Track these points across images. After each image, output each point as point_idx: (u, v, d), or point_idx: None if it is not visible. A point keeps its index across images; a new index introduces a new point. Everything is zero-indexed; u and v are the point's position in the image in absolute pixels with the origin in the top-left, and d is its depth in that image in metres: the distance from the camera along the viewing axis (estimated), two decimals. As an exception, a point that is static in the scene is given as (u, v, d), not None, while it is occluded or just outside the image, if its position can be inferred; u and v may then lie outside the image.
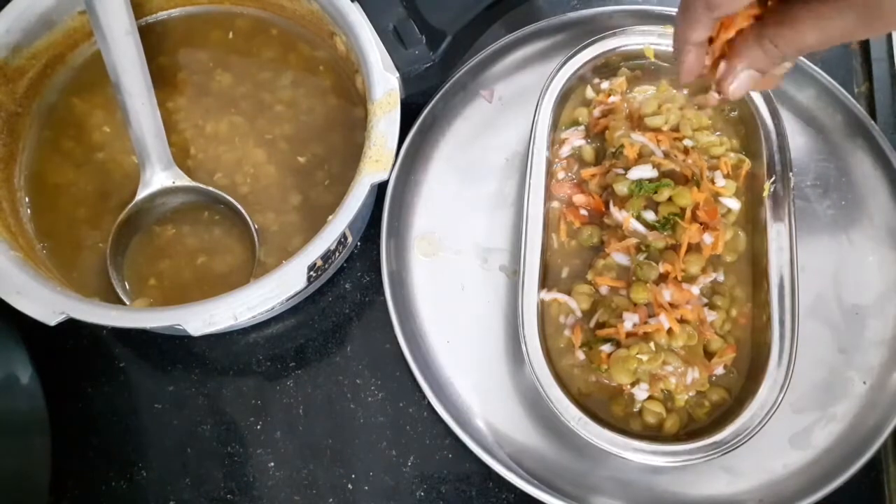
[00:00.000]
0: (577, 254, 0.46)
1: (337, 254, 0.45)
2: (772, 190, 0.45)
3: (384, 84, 0.44)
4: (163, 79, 0.49)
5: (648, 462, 0.40)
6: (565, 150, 0.48)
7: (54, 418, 0.44)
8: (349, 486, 0.46)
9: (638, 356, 0.41)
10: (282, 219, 0.47)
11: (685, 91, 0.47)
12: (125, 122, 0.46)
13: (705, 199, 0.44)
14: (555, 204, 0.47)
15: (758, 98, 0.47)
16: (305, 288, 0.45)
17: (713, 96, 0.36)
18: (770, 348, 0.42)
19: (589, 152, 0.48)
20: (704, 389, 0.42)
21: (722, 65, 0.34)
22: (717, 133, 0.47)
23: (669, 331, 0.41)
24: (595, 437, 0.41)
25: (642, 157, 0.45)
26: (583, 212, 0.46)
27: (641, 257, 0.43)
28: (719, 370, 0.43)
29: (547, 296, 0.44)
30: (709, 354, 0.43)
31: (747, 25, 0.33)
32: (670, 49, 0.48)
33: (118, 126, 0.48)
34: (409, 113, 0.49)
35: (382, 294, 0.47)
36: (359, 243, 0.50)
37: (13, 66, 0.47)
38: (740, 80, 0.34)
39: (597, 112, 0.48)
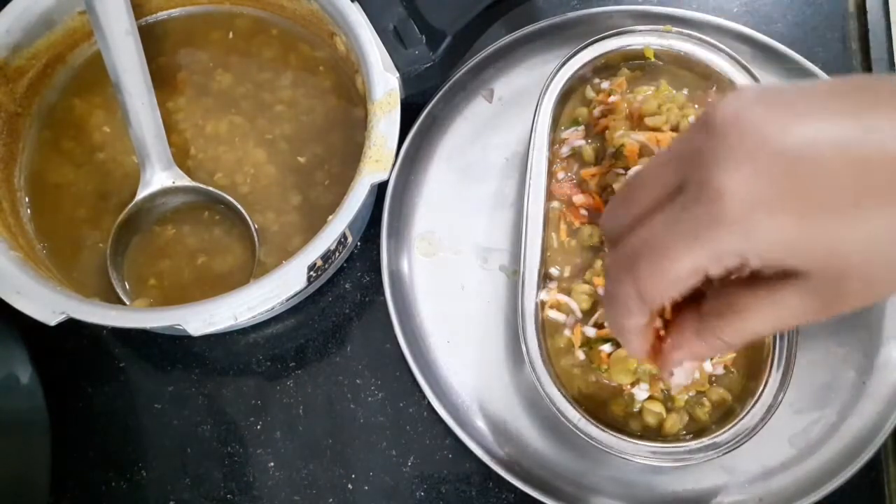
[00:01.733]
0: (577, 253, 0.46)
1: (337, 254, 0.45)
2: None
3: (384, 84, 0.44)
4: (163, 79, 0.49)
5: (648, 462, 0.40)
6: (565, 150, 0.48)
7: (54, 418, 0.44)
8: (349, 485, 0.46)
9: (638, 356, 0.41)
10: (282, 219, 0.47)
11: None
12: (125, 122, 0.46)
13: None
14: (555, 204, 0.47)
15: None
16: (305, 288, 0.45)
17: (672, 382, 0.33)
18: (770, 348, 0.42)
19: (589, 152, 0.48)
20: (704, 389, 0.42)
21: (660, 357, 0.31)
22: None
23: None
24: (595, 438, 0.41)
25: (642, 156, 0.45)
26: (583, 212, 0.47)
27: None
28: (719, 370, 0.43)
29: (547, 296, 0.44)
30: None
31: (685, 313, 0.30)
32: (671, 49, 0.49)
33: (118, 126, 0.48)
34: (409, 113, 0.49)
35: (382, 294, 0.47)
36: (359, 243, 0.50)
37: (13, 67, 0.47)
38: (680, 373, 0.31)
39: (597, 112, 0.48)
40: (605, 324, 0.32)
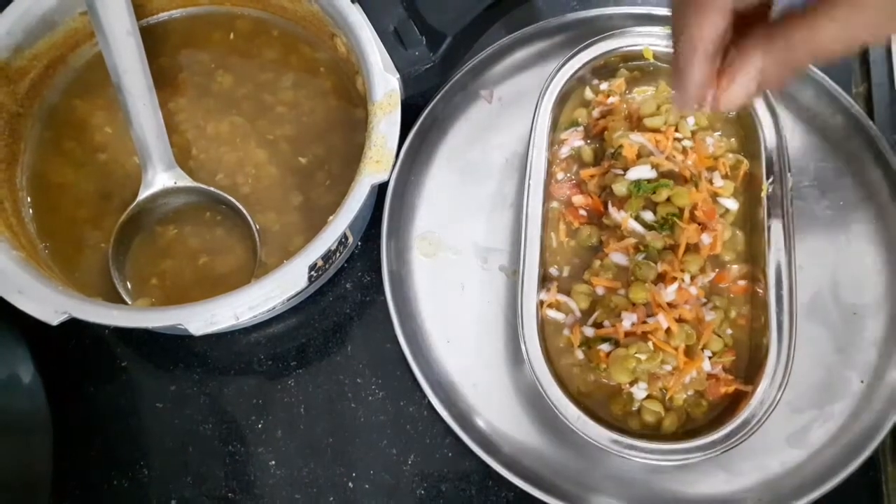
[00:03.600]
0: (576, 254, 0.47)
1: (338, 254, 0.45)
2: (770, 190, 0.45)
3: (384, 85, 0.44)
4: (164, 79, 0.49)
5: (647, 461, 0.41)
6: (564, 151, 0.48)
7: (56, 418, 0.44)
8: (350, 484, 0.46)
9: (636, 355, 0.41)
10: (283, 219, 0.47)
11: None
12: (127, 122, 0.46)
13: (703, 199, 0.44)
14: (554, 204, 0.47)
15: (756, 98, 0.47)
16: (306, 288, 0.45)
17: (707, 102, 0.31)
18: (768, 348, 0.42)
19: (588, 153, 0.48)
20: (702, 389, 0.43)
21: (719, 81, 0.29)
22: (717, 133, 0.48)
23: (668, 330, 0.41)
24: (594, 436, 0.41)
25: (641, 157, 0.45)
26: (582, 212, 0.47)
27: (640, 257, 0.43)
28: (718, 370, 0.43)
29: (546, 296, 0.45)
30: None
31: (753, 30, 0.28)
32: (669, 50, 0.49)
33: (120, 127, 0.48)
34: (410, 113, 0.49)
35: (383, 294, 0.47)
36: (359, 243, 0.50)
37: (15, 67, 0.47)
38: (738, 87, 0.28)
39: (596, 113, 0.48)
40: (670, 44, 0.29)
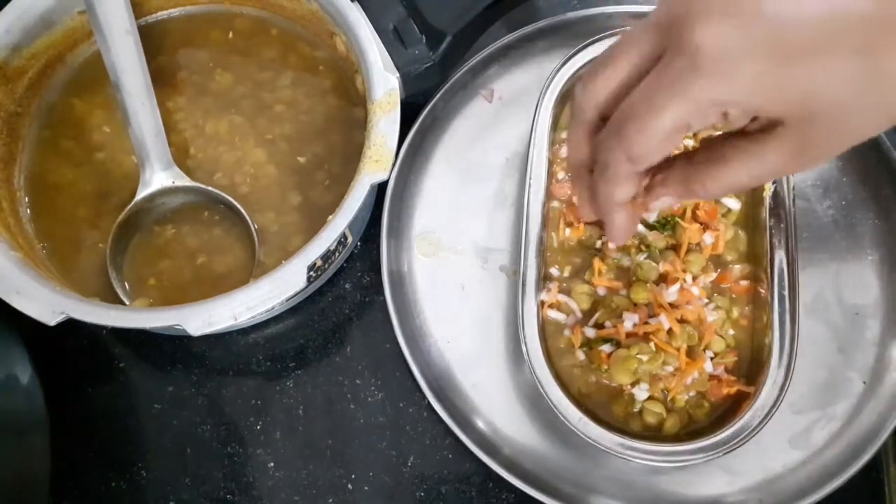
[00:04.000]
0: (576, 253, 0.46)
1: (337, 254, 0.45)
2: (772, 190, 0.45)
3: (384, 84, 0.44)
4: (162, 78, 0.49)
5: (649, 462, 0.40)
6: (565, 151, 0.48)
7: (54, 418, 0.44)
8: (349, 486, 0.46)
9: (638, 356, 0.41)
10: (282, 219, 0.47)
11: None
12: (125, 121, 0.46)
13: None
14: (555, 204, 0.47)
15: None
16: (305, 288, 0.45)
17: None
18: (770, 348, 0.42)
19: (589, 152, 0.48)
20: (704, 390, 0.42)
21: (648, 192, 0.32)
22: (718, 132, 0.47)
23: (669, 331, 0.41)
24: (595, 438, 0.41)
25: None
26: (583, 212, 0.46)
27: (642, 257, 0.43)
28: (720, 371, 0.43)
29: (547, 296, 0.44)
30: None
31: (676, 162, 0.31)
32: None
33: (118, 126, 0.48)
34: (409, 113, 0.49)
35: (382, 294, 0.47)
36: (359, 243, 0.50)
37: (13, 66, 0.47)
38: (659, 203, 0.32)
39: (597, 112, 0.48)
40: (586, 212, 0.33)
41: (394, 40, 0.46)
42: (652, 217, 0.44)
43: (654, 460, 0.40)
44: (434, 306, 0.48)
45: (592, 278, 0.44)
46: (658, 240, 0.43)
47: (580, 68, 0.48)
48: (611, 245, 0.43)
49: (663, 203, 0.32)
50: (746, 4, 0.25)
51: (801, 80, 0.25)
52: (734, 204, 0.45)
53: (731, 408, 0.42)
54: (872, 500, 0.45)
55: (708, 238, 0.44)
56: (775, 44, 0.25)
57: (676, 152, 0.31)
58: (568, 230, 0.46)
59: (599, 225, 0.46)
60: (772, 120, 0.27)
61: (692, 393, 0.42)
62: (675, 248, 0.44)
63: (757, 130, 0.28)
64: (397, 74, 0.45)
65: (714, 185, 0.29)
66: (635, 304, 0.43)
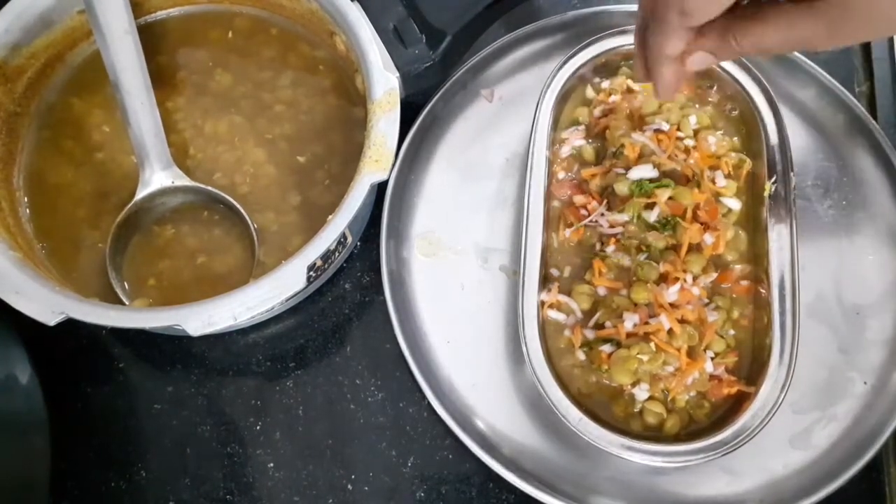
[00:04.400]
0: (577, 254, 0.46)
1: (337, 254, 0.45)
2: (773, 190, 0.45)
3: (384, 83, 0.44)
4: (162, 78, 0.49)
5: (649, 463, 0.40)
6: (565, 150, 0.48)
7: (53, 419, 0.44)
8: (349, 486, 0.45)
9: (638, 356, 0.41)
10: (281, 219, 0.47)
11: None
12: (124, 121, 0.45)
13: (706, 198, 0.44)
14: (555, 204, 0.47)
15: (758, 98, 0.47)
16: (305, 288, 0.45)
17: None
18: (771, 348, 0.42)
19: (589, 152, 0.48)
20: (705, 390, 0.42)
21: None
22: (719, 132, 0.47)
23: (670, 331, 0.41)
24: (595, 438, 0.41)
25: (643, 156, 0.45)
26: (583, 212, 0.46)
27: (642, 257, 0.43)
28: (720, 371, 0.43)
29: (547, 296, 0.44)
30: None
31: (716, 20, 0.33)
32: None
33: (117, 126, 0.48)
34: (409, 112, 0.49)
35: (382, 294, 0.47)
36: (359, 243, 0.50)
37: (12, 66, 0.47)
38: (695, 60, 0.34)
39: (597, 112, 0.48)
40: (640, 59, 0.35)
41: (394, 40, 0.46)
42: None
43: (654, 460, 0.40)
44: (434, 306, 0.48)
45: (592, 278, 0.44)
46: (658, 240, 0.43)
47: (581, 67, 0.48)
48: (656, 97, 0.41)
49: (700, 61, 0.33)
50: None
51: None
52: (735, 204, 0.45)
53: (731, 408, 0.42)
54: (872, 501, 0.45)
55: (708, 238, 0.44)
56: None
57: None
58: (568, 230, 0.46)
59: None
60: None
61: (692, 393, 0.42)
62: (675, 248, 0.43)
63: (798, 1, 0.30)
64: (397, 74, 0.45)
65: (746, 41, 0.31)
66: (635, 304, 0.42)
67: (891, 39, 0.54)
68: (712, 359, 0.42)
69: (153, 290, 0.46)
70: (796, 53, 0.51)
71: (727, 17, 0.32)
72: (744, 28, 0.31)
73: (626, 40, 0.49)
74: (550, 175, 0.47)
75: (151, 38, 0.50)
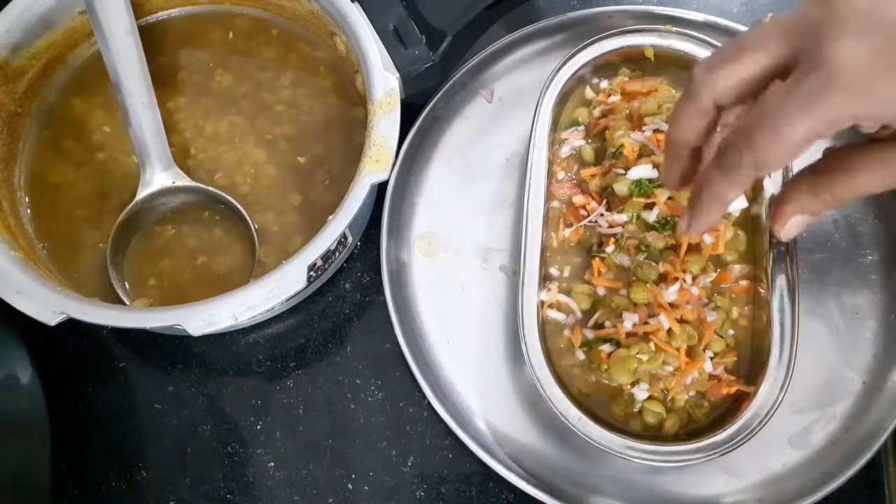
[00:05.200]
0: (577, 253, 0.46)
1: (337, 254, 0.45)
2: (772, 190, 0.45)
3: (384, 84, 0.44)
4: (163, 79, 0.49)
5: (648, 462, 0.40)
6: (565, 150, 0.48)
7: (54, 418, 0.44)
8: (349, 485, 0.46)
9: (638, 356, 0.41)
10: (282, 219, 0.47)
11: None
12: (125, 122, 0.46)
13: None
14: (555, 204, 0.47)
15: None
16: (305, 288, 0.45)
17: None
18: (770, 348, 0.42)
19: (589, 152, 0.48)
20: (704, 390, 0.42)
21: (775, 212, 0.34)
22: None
23: (669, 331, 0.41)
24: (595, 438, 0.41)
25: (642, 156, 0.45)
26: (583, 212, 0.46)
27: (641, 257, 0.43)
28: (720, 371, 0.43)
29: (547, 296, 0.44)
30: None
31: (799, 174, 0.32)
32: (670, 49, 0.48)
33: (118, 126, 0.48)
34: (409, 113, 0.49)
35: (382, 294, 0.47)
36: (359, 243, 0.50)
37: (13, 66, 0.47)
38: (792, 225, 0.33)
39: (597, 112, 0.48)
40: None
41: (394, 40, 0.46)
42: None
43: (654, 460, 0.40)
44: (434, 306, 0.48)
45: (592, 278, 0.44)
46: (658, 240, 0.43)
47: (581, 67, 0.48)
48: (687, 231, 0.41)
49: (798, 224, 0.33)
50: (886, 20, 0.26)
51: None
52: (740, 203, 0.45)
53: (731, 408, 0.42)
54: (872, 500, 0.45)
55: (708, 238, 0.44)
56: None
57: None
58: (568, 230, 0.46)
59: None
60: None
61: (692, 393, 0.42)
62: (675, 248, 0.44)
63: (889, 138, 0.29)
64: (397, 74, 0.45)
65: (841, 190, 0.31)
66: (635, 304, 0.43)
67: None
68: (711, 359, 0.42)
69: (154, 289, 0.46)
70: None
71: (808, 175, 0.31)
72: (837, 181, 0.31)
73: (626, 41, 0.49)
74: (550, 175, 0.47)
75: (152, 39, 0.50)
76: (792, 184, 0.32)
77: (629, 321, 0.42)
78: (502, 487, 0.45)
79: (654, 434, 0.42)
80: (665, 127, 0.45)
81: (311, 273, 0.42)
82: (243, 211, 0.46)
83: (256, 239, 0.46)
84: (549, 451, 0.45)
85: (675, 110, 0.33)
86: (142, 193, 0.46)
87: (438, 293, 0.48)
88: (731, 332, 0.44)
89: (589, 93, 0.50)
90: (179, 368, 0.48)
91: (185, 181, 0.47)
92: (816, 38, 0.27)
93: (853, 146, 0.30)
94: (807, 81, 0.27)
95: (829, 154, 0.31)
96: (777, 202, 0.34)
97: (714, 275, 0.44)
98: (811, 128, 0.27)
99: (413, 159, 0.51)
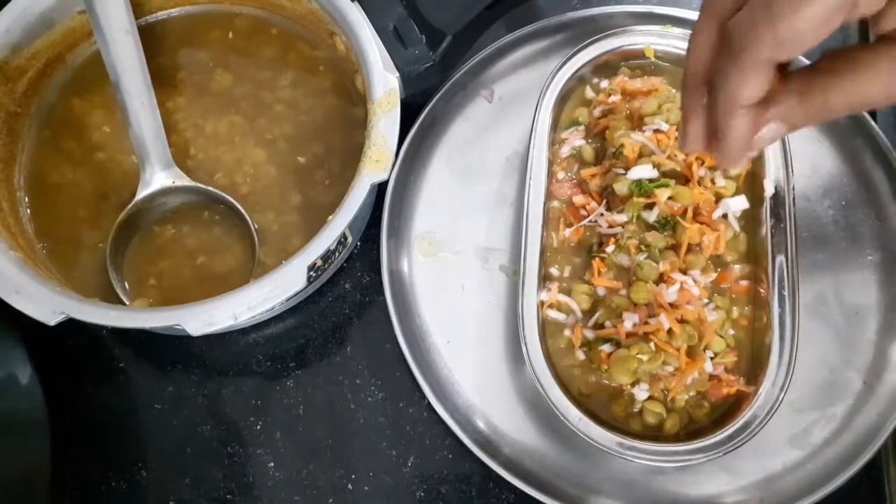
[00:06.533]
0: (577, 253, 0.46)
1: (337, 254, 0.45)
2: (772, 190, 0.45)
3: (384, 84, 0.44)
4: (162, 78, 0.49)
5: (649, 462, 0.40)
6: (565, 150, 0.48)
7: (54, 418, 0.44)
8: (349, 486, 0.45)
9: (638, 356, 0.41)
10: (282, 219, 0.47)
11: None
12: (125, 121, 0.46)
13: (705, 198, 0.44)
14: (555, 204, 0.47)
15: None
16: (305, 288, 0.45)
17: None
18: (770, 348, 0.42)
19: (589, 152, 0.48)
20: (704, 390, 0.42)
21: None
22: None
23: (670, 331, 0.41)
24: (595, 438, 0.41)
25: (642, 156, 0.45)
26: (583, 212, 0.46)
27: (641, 257, 0.43)
28: (720, 371, 0.43)
29: (547, 296, 0.44)
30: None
31: (792, 71, 0.27)
32: (670, 49, 0.48)
33: (118, 126, 0.48)
34: (409, 113, 0.49)
35: (382, 294, 0.47)
36: (359, 243, 0.50)
37: (13, 66, 0.47)
38: (767, 132, 0.27)
39: (597, 112, 0.48)
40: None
41: (394, 40, 0.46)
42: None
43: (654, 460, 0.40)
44: (434, 306, 0.48)
45: (592, 278, 0.44)
46: (658, 240, 0.43)
47: (581, 67, 0.48)
48: (721, 165, 0.36)
49: (775, 131, 0.27)
50: None
51: None
52: (742, 203, 0.45)
53: (731, 408, 0.42)
54: (872, 500, 0.45)
55: (708, 238, 0.44)
56: None
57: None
58: (568, 230, 0.46)
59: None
60: None
61: (692, 393, 0.42)
62: (675, 248, 0.44)
63: None
64: (397, 74, 0.45)
65: (838, 96, 0.25)
66: (635, 304, 0.42)
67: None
68: (712, 359, 0.42)
69: (153, 289, 0.46)
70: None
71: (808, 72, 0.25)
72: (833, 82, 0.25)
73: (626, 41, 0.49)
74: (550, 175, 0.47)
75: (152, 39, 0.50)
76: (781, 82, 0.26)
77: (629, 321, 0.42)
78: (502, 487, 0.45)
79: (654, 434, 0.42)
80: (665, 127, 0.45)
81: (311, 273, 0.42)
82: (243, 211, 0.46)
83: (256, 239, 0.46)
84: (549, 451, 0.45)
85: (692, 35, 0.28)
86: (141, 193, 0.46)
87: (438, 293, 0.48)
88: (731, 332, 0.44)
89: (589, 93, 0.50)
90: (179, 368, 0.48)
91: (185, 181, 0.47)
92: None
93: (859, 47, 0.25)
94: None
95: (828, 54, 0.26)
96: (760, 102, 0.26)
97: (714, 275, 0.44)
98: None
99: (413, 159, 0.51)
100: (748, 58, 0.25)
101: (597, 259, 0.45)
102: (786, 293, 0.43)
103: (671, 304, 0.42)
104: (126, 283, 0.46)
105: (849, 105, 0.25)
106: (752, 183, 0.47)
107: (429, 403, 0.45)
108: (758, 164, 0.46)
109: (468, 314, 0.48)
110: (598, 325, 0.44)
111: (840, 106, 0.25)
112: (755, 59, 0.24)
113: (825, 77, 0.25)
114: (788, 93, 0.26)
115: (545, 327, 0.44)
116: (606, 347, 0.42)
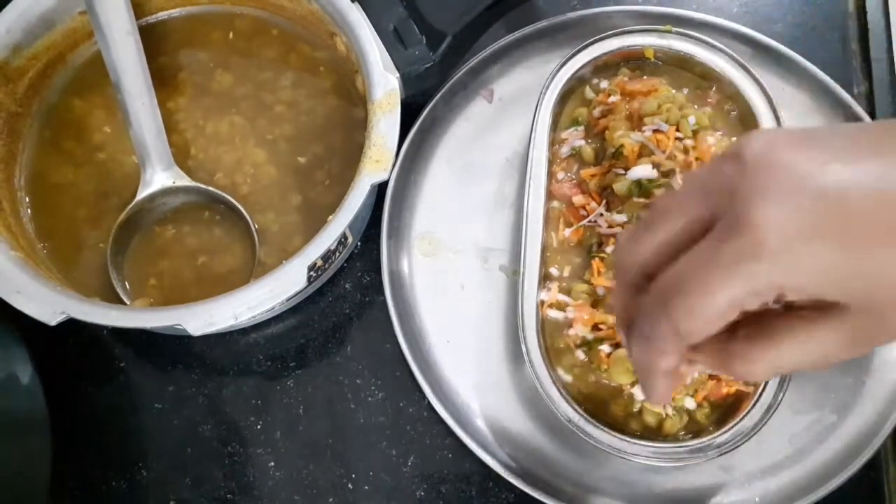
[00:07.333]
0: (576, 253, 0.46)
1: (337, 254, 0.45)
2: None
3: (384, 84, 0.44)
4: (163, 79, 0.49)
5: (648, 462, 0.40)
6: (565, 150, 0.48)
7: (54, 418, 0.44)
8: (349, 485, 0.46)
9: (638, 356, 0.41)
10: (282, 219, 0.47)
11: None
12: (125, 122, 0.46)
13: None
14: (555, 203, 0.47)
15: (757, 98, 0.47)
16: (305, 288, 0.45)
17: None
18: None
19: (589, 152, 0.48)
20: (704, 390, 0.42)
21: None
22: (719, 132, 0.47)
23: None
24: (595, 438, 0.41)
25: (642, 156, 0.45)
26: (582, 212, 0.46)
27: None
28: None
29: (547, 296, 0.44)
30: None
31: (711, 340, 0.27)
32: (670, 49, 0.49)
33: (118, 126, 0.48)
34: (409, 113, 0.49)
35: (382, 294, 0.47)
36: (359, 243, 0.50)
37: (13, 67, 0.47)
38: (693, 370, 0.29)
39: (597, 112, 0.48)
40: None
41: (394, 40, 0.46)
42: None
43: (654, 460, 0.40)
44: (434, 306, 0.48)
45: (592, 278, 0.44)
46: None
47: (580, 68, 0.49)
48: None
49: (700, 370, 0.29)
50: (810, 182, 0.23)
51: (870, 270, 0.23)
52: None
53: (731, 408, 0.42)
54: (872, 500, 0.45)
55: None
56: (843, 229, 0.23)
57: None
58: (568, 230, 0.46)
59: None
60: (830, 302, 0.24)
61: (692, 393, 0.42)
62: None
63: (810, 309, 0.25)
64: (397, 75, 0.45)
65: (758, 366, 0.26)
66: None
67: (889, 39, 0.55)
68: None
69: (154, 289, 0.46)
70: (794, 53, 0.51)
71: (725, 337, 0.26)
72: (750, 351, 0.26)
73: (626, 41, 0.49)
74: (550, 175, 0.47)
75: (153, 39, 0.50)
76: (699, 347, 0.27)
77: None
78: (502, 487, 0.45)
79: (653, 434, 0.42)
80: (665, 127, 0.45)
81: (312, 273, 0.42)
82: (243, 211, 0.46)
83: (256, 239, 0.46)
84: (549, 451, 0.45)
85: (613, 295, 0.29)
86: (142, 193, 0.46)
87: (438, 293, 0.48)
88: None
89: (589, 93, 0.50)
90: (179, 368, 0.48)
91: (186, 181, 0.47)
92: (735, 197, 0.24)
93: (772, 313, 0.26)
94: (727, 247, 0.24)
95: (745, 319, 0.26)
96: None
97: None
98: (734, 297, 0.24)
99: (413, 159, 0.51)
100: (658, 345, 0.26)
101: (597, 259, 0.45)
102: (785, 293, 0.43)
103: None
104: (126, 283, 0.46)
105: (770, 372, 0.26)
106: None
107: (429, 403, 0.45)
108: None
109: (468, 314, 0.48)
110: (598, 326, 0.44)
111: (762, 372, 0.26)
112: (664, 346, 0.26)
113: (745, 344, 0.26)
114: (712, 350, 0.27)
115: (545, 327, 0.44)
116: (606, 347, 0.42)
